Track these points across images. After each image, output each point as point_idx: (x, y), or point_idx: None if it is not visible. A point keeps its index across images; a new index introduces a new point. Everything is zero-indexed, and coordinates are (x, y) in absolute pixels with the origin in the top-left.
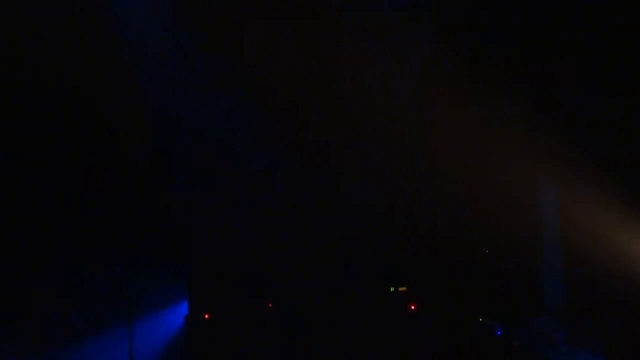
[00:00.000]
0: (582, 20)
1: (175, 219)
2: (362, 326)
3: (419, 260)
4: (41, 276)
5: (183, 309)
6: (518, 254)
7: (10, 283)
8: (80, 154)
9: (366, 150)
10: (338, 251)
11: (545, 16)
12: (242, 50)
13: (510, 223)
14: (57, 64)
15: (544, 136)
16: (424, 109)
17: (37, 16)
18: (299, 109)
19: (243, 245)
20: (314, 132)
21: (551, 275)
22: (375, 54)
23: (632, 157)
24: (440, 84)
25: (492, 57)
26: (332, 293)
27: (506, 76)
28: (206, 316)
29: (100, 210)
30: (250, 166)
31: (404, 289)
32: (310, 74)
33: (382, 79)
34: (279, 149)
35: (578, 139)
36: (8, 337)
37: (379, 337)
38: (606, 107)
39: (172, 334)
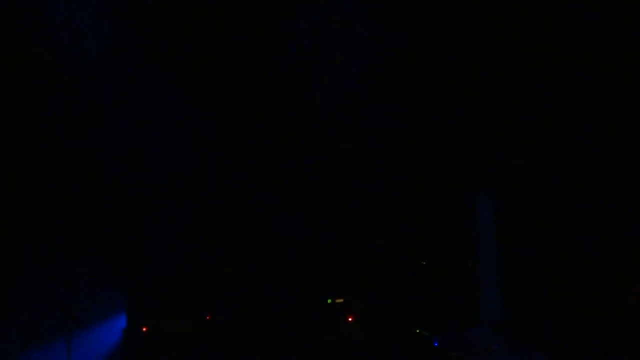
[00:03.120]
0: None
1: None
2: (299, 338)
3: (356, 272)
4: None
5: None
6: (455, 266)
7: None
8: None
9: (299, 160)
10: (274, 263)
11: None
12: None
13: (447, 235)
14: None
15: (482, 146)
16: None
17: None
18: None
19: (181, 258)
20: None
21: (487, 287)
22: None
23: (572, 168)
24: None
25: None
26: (269, 305)
27: (443, 82)
28: (144, 329)
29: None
30: (186, 176)
31: (341, 300)
32: None
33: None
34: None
35: (517, 149)
36: None
37: (317, 349)
38: (545, 116)
39: (111, 347)
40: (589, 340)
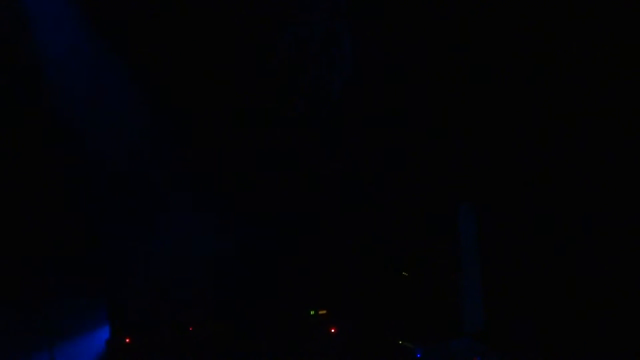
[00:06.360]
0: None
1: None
2: (282, 350)
3: (339, 283)
4: None
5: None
6: (437, 277)
7: None
8: None
9: (284, 173)
10: (257, 274)
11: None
12: None
13: (430, 246)
14: None
15: (465, 158)
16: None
17: None
18: None
19: (164, 269)
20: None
21: (470, 298)
22: None
23: (553, 179)
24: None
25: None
26: (252, 316)
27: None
28: (127, 340)
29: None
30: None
31: (324, 311)
32: None
33: None
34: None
35: (499, 161)
36: None
37: None
38: (527, 129)
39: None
40: (571, 351)
